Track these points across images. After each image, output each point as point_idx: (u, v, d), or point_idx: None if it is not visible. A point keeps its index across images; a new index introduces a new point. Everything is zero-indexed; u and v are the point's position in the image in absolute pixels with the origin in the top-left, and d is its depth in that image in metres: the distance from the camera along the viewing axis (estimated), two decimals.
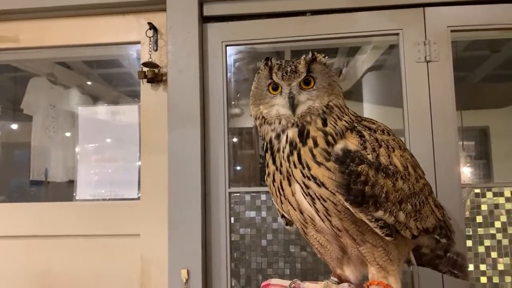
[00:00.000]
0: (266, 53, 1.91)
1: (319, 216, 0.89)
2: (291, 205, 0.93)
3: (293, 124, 0.89)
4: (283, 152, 0.90)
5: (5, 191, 2.37)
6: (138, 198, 1.84)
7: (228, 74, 1.81)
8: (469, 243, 1.63)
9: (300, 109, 0.89)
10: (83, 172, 1.99)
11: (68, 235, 1.81)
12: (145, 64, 1.76)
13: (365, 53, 2.57)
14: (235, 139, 2.52)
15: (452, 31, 1.67)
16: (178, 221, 1.67)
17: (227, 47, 1.80)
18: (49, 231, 1.83)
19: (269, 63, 0.92)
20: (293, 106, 0.88)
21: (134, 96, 2.03)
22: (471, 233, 1.64)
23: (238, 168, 2.43)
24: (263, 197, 1.75)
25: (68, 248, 1.81)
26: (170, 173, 1.70)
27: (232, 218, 1.75)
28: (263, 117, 0.94)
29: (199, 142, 1.71)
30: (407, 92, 1.67)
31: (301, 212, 0.92)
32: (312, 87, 0.91)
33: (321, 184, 0.86)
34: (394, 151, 0.92)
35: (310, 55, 0.92)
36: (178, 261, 1.65)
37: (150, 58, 1.79)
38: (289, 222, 1.05)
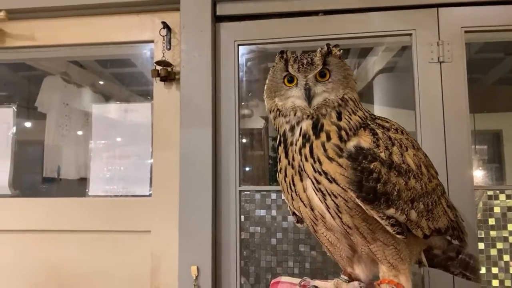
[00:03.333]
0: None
1: (329, 213, 0.89)
2: (302, 202, 0.93)
3: (308, 116, 0.89)
4: (296, 145, 0.90)
5: (18, 186, 2.41)
6: (150, 195, 1.85)
7: (240, 74, 1.82)
8: (481, 245, 1.61)
9: (316, 101, 0.89)
10: (96, 169, 2.01)
11: (80, 230, 1.84)
12: (158, 63, 1.78)
13: (377, 54, 2.56)
14: (244, 140, 2.53)
15: (466, 31, 1.66)
16: (188, 218, 1.68)
17: (240, 47, 1.82)
18: (61, 226, 1.85)
19: (285, 55, 0.93)
20: (309, 97, 0.89)
21: (145, 96, 2.05)
22: (483, 236, 1.62)
23: (247, 169, 2.43)
24: (273, 195, 1.75)
25: (80, 243, 1.84)
26: (181, 170, 1.71)
27: (242, 216, 1.75)
28: (278, 109, 0.94)
29: (211, 141, 1.72)
30: (420, 92, 1.66)
31: (312, 209, 0.92)
32: (328, 79, 0.91)
33: (332, 180, 0.86)
34: (407, 150, 0.92)
35: (325, 48, 0.92)
36: (188, 257, 1.66)
37: (164, 56, 1.80)
38: (300, 220, 1.04)
